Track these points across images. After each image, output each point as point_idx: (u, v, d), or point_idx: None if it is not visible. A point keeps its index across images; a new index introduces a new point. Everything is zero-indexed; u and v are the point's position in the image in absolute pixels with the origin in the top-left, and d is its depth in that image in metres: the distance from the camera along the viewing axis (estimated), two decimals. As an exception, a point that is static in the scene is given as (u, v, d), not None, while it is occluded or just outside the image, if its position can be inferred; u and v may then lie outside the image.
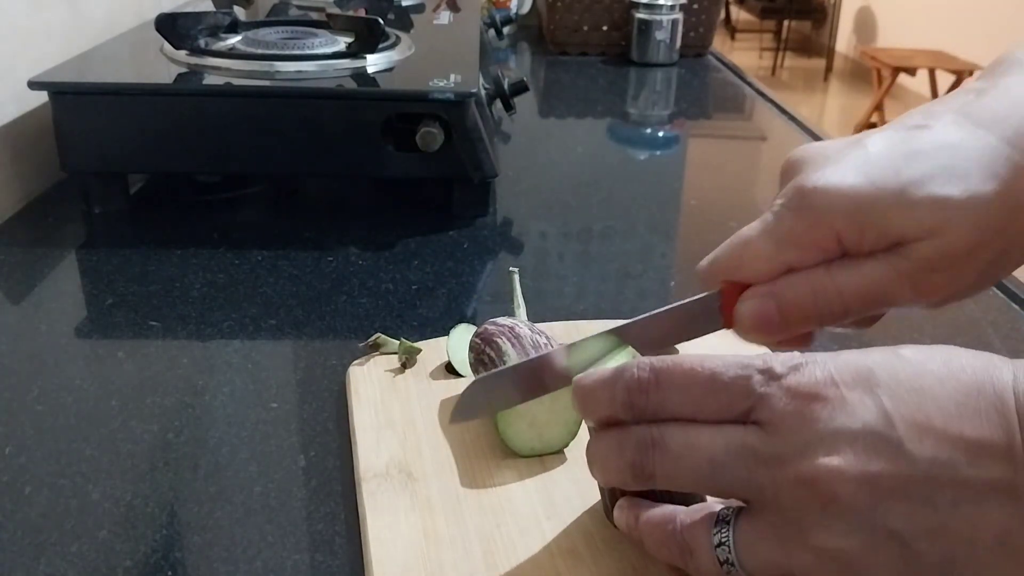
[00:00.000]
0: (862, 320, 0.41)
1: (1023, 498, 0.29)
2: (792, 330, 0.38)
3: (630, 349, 0.41)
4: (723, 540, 0.33)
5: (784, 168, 0.40)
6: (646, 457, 0.34)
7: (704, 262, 0.42)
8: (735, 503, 0.34)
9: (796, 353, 0.33)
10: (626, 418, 0.35)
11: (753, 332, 0.39)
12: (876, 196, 0.36)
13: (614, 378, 0.35)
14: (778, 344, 0.40)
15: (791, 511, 0.31)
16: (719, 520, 0.34)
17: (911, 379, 0.31)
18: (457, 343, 0.54)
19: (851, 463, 0.30)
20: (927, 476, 0.30)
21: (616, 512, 0.38)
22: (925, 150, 0.37)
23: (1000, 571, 0.30)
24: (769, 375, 0.33)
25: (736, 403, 0.33)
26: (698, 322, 0.41)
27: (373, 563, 0.39)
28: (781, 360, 0.33)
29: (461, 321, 0.57)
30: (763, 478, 0.32)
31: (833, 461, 0.30)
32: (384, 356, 0.55)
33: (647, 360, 0.35)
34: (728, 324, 0.41)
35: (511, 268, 0.58)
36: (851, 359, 0.33)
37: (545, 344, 0.49)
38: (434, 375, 0.53)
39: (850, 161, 0.37)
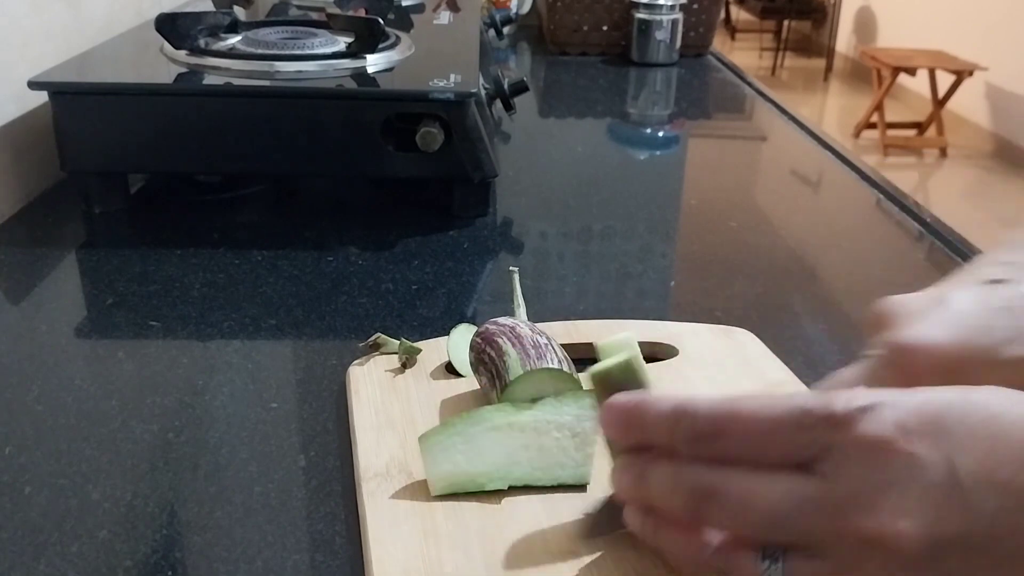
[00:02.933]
0: None
1: None
2: None
3: None
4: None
5: (871, 320, 0.41)
6: (702, 504, 0.33)
7: None
8: None
9: (860, 391, 0.32)
10: (681, 450, 0.35)
11: None
12: (968, 356, 0.37)
13: (672, 419, 0.34)
14: None
15: (848, 560, 0.31)
16: (767, 555, 0.33)
17: (981, 426, 0.31)
18: (457, 343, 0.54)
19: (917, 523, 0.30)
20: (989, 528, 0.30)
21: (629, 515, 0.37)
22: (1010, 307, 0.38)
23: None
24: (833, 423, 0.32)
25: (800, 452, 0.32)
26: None
27: (373, 563, 0.39)
28: (845, 402, 0.32)
29: (461, 321, 0.57)
30: (825, 531, 0.31)
31: (899, 523, 0.30)
32: (384, 356, 0.55)
33: (707, 406, 0.34)
34: None
35: (511, 268, 0.58)
36: (920, 402, 0.32)
37: (545, 344, 0.49)
38: (434, 375, 0.53)
39: (942, 319, 0.38)
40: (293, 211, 0.83)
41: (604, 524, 0.40)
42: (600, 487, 0.44)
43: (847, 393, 0.32)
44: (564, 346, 0.51)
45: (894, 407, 0.31)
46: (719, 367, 0.54)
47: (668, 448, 0.35)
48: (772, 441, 0.33)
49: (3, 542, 0.42)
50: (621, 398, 0.36)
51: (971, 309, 0.38)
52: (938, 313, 0.38)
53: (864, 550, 0.31)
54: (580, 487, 0.44)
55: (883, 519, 0.30)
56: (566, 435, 0.45)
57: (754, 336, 0.58)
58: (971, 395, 0.32)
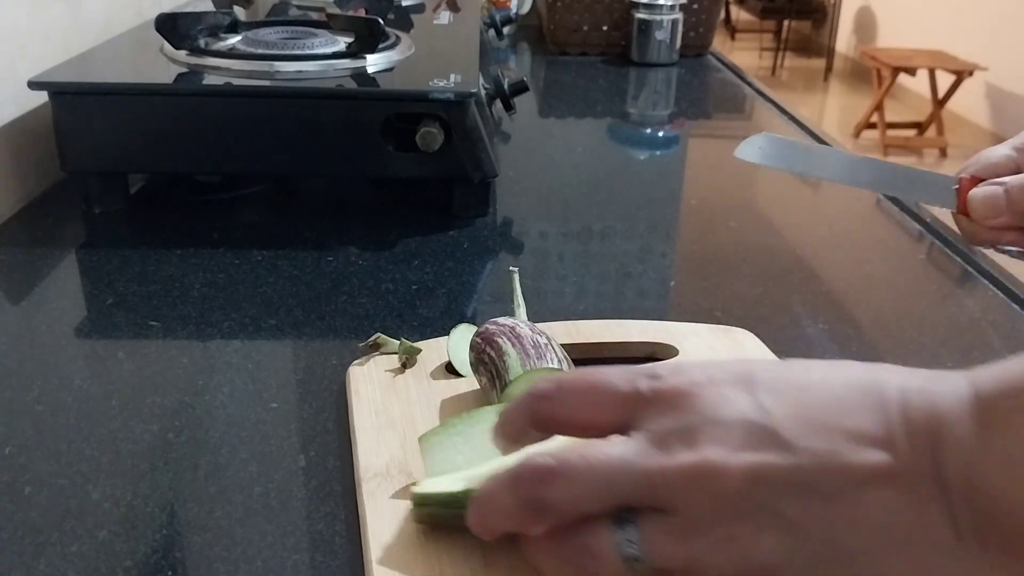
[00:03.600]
0: None
1: (902, 484, 0.30)
2: (1015, 214, 0.48)
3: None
4: (630, 539, 0.33)
5: None
6: (542, 487, 0.33)
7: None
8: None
9: (682, 361, 0.35)
10: (530, 424, 0.37)
11: (981, 212, 0.49)
12: None
13: (524, 395, 0.37)
14: (997, 236, 0.49)
15: (686, 504, 0.32)
16: (619, 522, 0.33)
17: (793, 379, 0.33)
18: (457, 343, 0.54)
19: (732, 453, 0.31)
20: (809, 463, 0.31)
21: (530, 547, 0.35)
22: None
23: (882, 553, 0.30)
24: (651, 376, 0.35)
25: (627, 410, 0.34)
26: (933, 191, 0.51)
27: (373, 563, 0.39)
28: (666, 365, 0.35)
29: (461, 321, 0.57)
30: (656, 476, 0.32)
31: (714, 451, 0.31)
32: (384, 356, 0.55)
33: (551, 375, 0.37)
34: (962, 208, 0.50)
35: (511, 267, 0.58)
36: (734, 364, 0.34)
37: (545, 344, 0.49)
38: (434, 375, 0.53)
39: None
40: (293, 211, 0.83)
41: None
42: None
43: (671, 362, 0.37)
44: (564, 346, 0.51)
45: (706, 367, 0.34)
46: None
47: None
48: (605, 397, 0.35)
49: (3, 542, 0.42)
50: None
51: None
52: None
53: (693, 488, 0.32)
54: None
55: (699, 452, 0.32)
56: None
57: (753, 336, 0.58)
58: (787, 362, 0.35)
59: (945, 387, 0.31)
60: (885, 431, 0.31)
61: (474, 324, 0.56)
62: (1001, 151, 0.50)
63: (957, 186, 0.51)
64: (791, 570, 0.31)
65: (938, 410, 0.31)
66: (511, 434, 0.38)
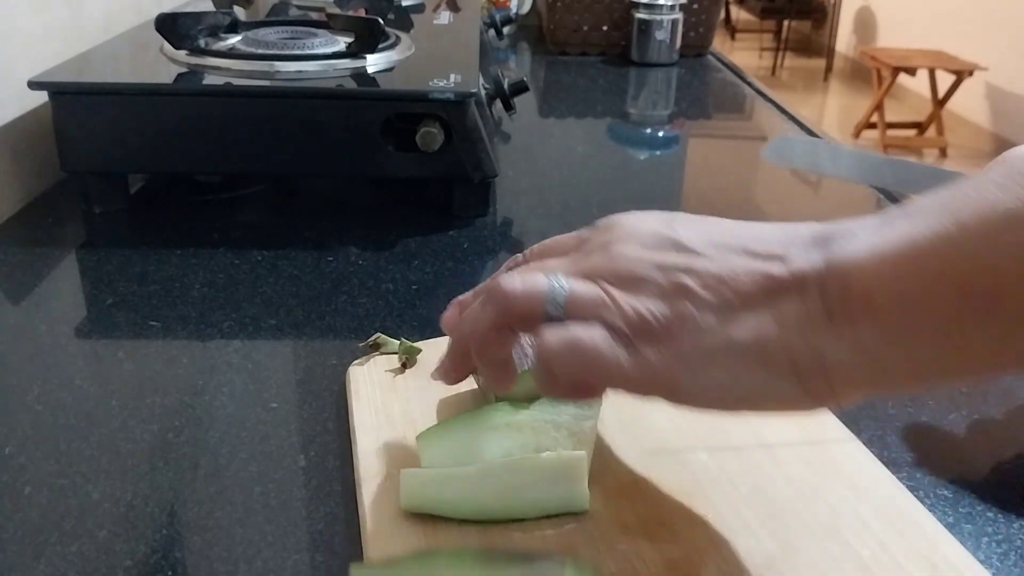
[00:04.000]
0: None
1: (781, 301, 0.34)
2: None
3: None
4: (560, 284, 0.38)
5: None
6: (500, 297, 0.39)
7: None
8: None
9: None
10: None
11: None
12: None
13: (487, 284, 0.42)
14: None
15: (601, 270, 0.38)
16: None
17: (712, 221, 0.39)
18: None
19: (647, 252, 0.38)
20: (711, 259, 0.36)
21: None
22: None
23: (763, 327, 0.34)
24: (587, 231, 0.42)
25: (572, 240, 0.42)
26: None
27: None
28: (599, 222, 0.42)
29: (461, 321, 0.57)
30: (581, 263, 0.39)
31: (629, 248, 0.38)
32: (384, 356, 0.55)
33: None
34: None
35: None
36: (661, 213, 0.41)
37: None
38: (435, 375, 0.53)
39: None
40: (293, 211, 0.83)
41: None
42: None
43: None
44: None
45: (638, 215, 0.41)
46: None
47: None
48: (561, 246, 0.43)
49: (3, 542, 0.42)
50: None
51: None
52: None
53: (608, 265, 0.38)
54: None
55: (618, 246, 0.39)
56: (564, 434, 0.45)
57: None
58: None
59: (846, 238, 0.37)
60: (783, 250, 0.36)
61: None
62: None
63: None
64: (679, 333, 0.35)
65: (831, 234, 0.37)
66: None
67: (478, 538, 0.41)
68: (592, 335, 0.36)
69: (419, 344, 0.55)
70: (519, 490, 0.42)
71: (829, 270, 0.34)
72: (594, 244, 0.40)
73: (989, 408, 0.53)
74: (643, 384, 0.36)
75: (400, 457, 0.46)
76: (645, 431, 0.48)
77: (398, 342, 0.55)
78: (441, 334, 0.57)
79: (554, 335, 0.37)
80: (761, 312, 0.34)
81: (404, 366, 0.54)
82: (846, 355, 0.33)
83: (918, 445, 0.50)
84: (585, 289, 0.37)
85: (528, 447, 0.44)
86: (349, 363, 0.55)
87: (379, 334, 0.56)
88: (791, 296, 0.34)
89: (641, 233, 0.39)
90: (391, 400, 0.51)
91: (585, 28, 1.45)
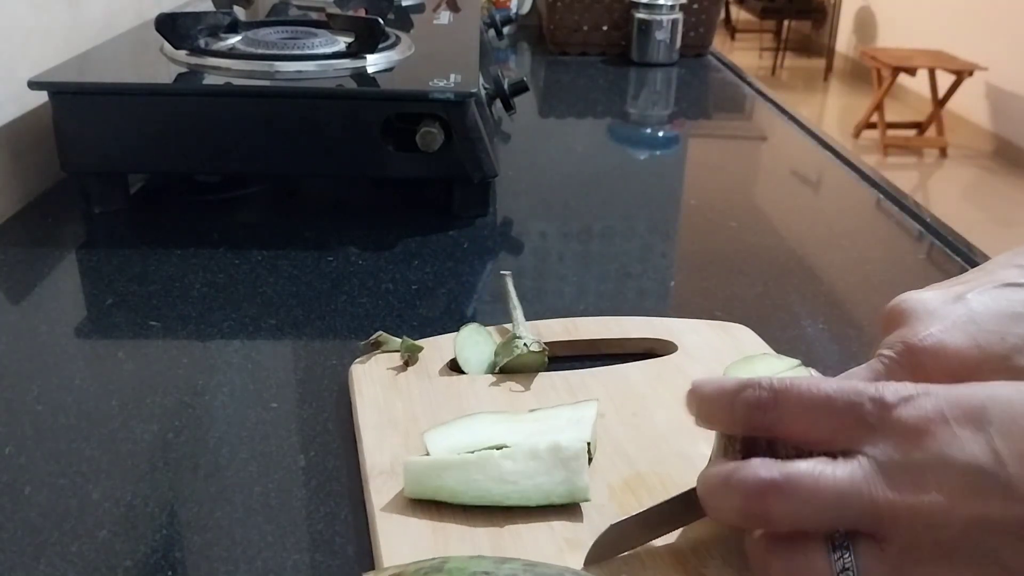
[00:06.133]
0: None
1: None
2: None
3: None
4: (846, 566, 0.33)
5: (886, 317, 0.42)
6: (766, 498, 0.34)
7: None
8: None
9: (911, 384, 0.34)
10: (737, 429, 0.36)
11: None
12: (981, 360, 0.37)
13: (735, 391, 0.36)
14: None
15: (906, 539, 0.32)
16: (836, 546, 0.34)
17: None
18: (465, 342, 0.55)
19: (960, 501, 0.31)
20: None
21: (750, 545, 0.37)
22: None
23: None
24: (880, 405, 0.33)
25: (847, 430, 0.34)
26: None
27: (384, 561, 0.39)
28: (894, 390, 0.33)
29: (461, 321, 0.58)
30: (880, 510, 0.32)
31: (943, 499, 0.31)
32: (385, 354, 0.55)
33: (768, 379, 0.36)
34: None
35: (502, 271, 0.59)
36: (965, 393, 0.33)
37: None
38: (436, 373, 0.53)
39: (956, 320, 0.39)
40: (293, 211, 0.83)
41: (608, 547, 0.39)
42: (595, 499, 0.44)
43: (898, 383, 0.34)
44: (563, 343, 0.54)
45: (938, 396, 0.33)
46: (718, 362, 0.54)
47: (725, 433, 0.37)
48: (824, 415, 0.34)
49: (3, 542, 0.42)
50: (702, 383, 0.38)
51: (987, 313, 0.38)
52: (953, 314, 0.39)
53: (917, 527, 0.31)
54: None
55: (927, 495, 0.31)
56: (563, 422, 0.46)
57: (751, 331, 0.58)
58: (1015, 386, 0.33)
59: None
60: None
61: (480, 324, 0.56)
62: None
63: None
64: None
65: None
66: (707, 421, 0.38)
67: (484, 531, 0.41)
68: None
69: (420, 342, 0.55)
70: (519, 477, 0.42)
71: None
72: (891, 460, 0.33)
73: None
74: None
75: (404, 453, 0.46)
76: (648, 427, 0.48)
77: (400, 340, 0.55)
78: (440, 333, 0.57)
79: None
80: None
81: (406, 364, 0.54)
82: None
83: None
84: None
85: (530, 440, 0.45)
86: (349, 363, 0.55)
87: (381, 332, 0.56)
88: None
89: (957, 463, 0.31)
90: (394, 398, 0.51)
91: (585, 28, 1.45)
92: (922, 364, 0.38)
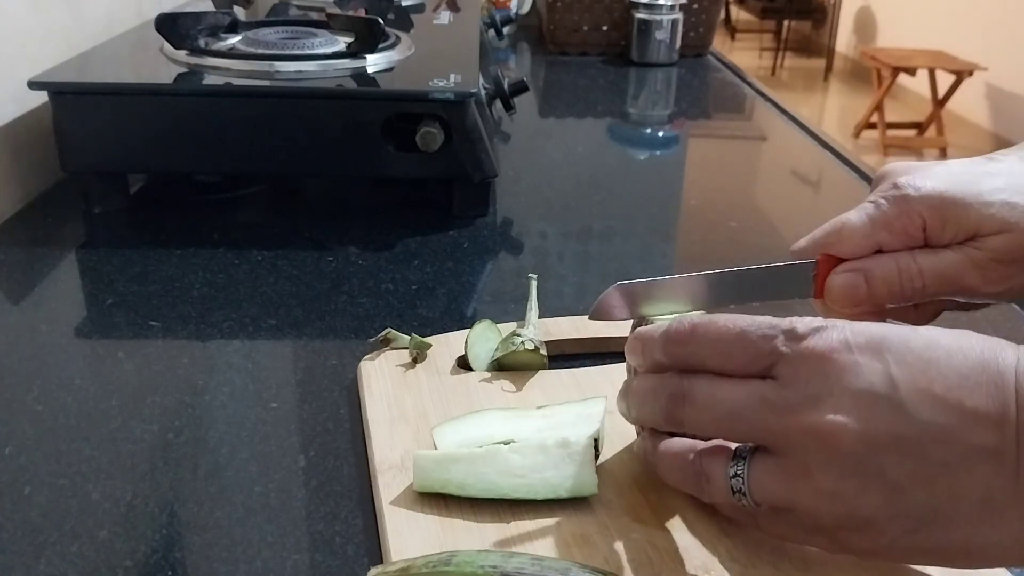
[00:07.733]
0: (927, 312, 0.48)
1: (1007, 464, 0.33)
2: (875, 303, 0.45)
3: None
4: (738, 472, 0.37)
5: (877, 178, 0.47)
6: (676, 407, 0.38)
7: (802, 241, 0.48)
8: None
9: (819, 318, 0.37)
10: (664, 361, 0.40)
11: (841, 301, 0.45)
12: (959, 195, 0.43)
13: (660, 329, 0.40)
14: (857, 317, 0.44)
15: (797, 455, 0.35)
16: (736, 456, 0.37)
17: (921, 349, 0.34)
18: (476, 339, 0.55)
19: (854, 420, 0.34)
20: (923, 434, 0.33)
21: (638, 441, 0.43)
22: (998, 172, 0.45)
23: (979, 526, 0.33)
24: (791, 336, 0.36)
25: (760, 359, 0.36)
26: (790, 285, 0.47)
27: (392, 555, 0.40)
28: (805, 323, 0.36)
29: (462, 321, 0.58)
30: (775, 426, 0.35)
31: (838, 418, 0.34)
32: (394, 351, 0.55)
33: (688, 317, 0.39)
34: (819, 293, 0.46)
35: (530, 275, 0.59)
36: (869, 326, 0.36)
37: None
38: (445, 369, 0.54)
39: (937, 171, 0.45)
40: (293, 211, 0.83)
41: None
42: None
43: (809, 318, 0.37)
44: (572, 341, 0.56)
45: (843, 329, 0.36)
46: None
47: (655, 365, 0.40)
48: (738, 346, 0.37)
49: (3, 542, 0.42)
50: (641, 329, 0.42)
51: (964, 168, 0.45)
52: (934, 168, 0.45)
53: (809, 444, 0.34)
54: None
55: (823, 415, 0.34)
56: (572, 417, 0.47)
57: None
58: (916, 328, 0.36)
59: None
60: (999, 412, 0.33)
61: (493, 322, 0.56)
62: (859, 226, 0.45)
63: (815, 272, 0.46)
64: (885, 528, 0.34)
65: None
66: (634, 357, 0.42)
67: (492, 526, 0.41)
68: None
69: (429, 339, 0.55)
70: (527, 471, 0.42)
71: None
72: (795, 386, 0.35)
73: None
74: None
75: (414, 448, 0.46)
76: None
77: (408, 337, 0.55)
78: (441, 333, 0.57)
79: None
80: (974, 506, 0.34)
81: (415, 360, 0.54)
82: None
83: None
84: (772, 497, 0.37)
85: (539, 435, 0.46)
86: (349, 363, 0.55)
87: (389, 329, 0.56)
88: (1004, 480, 0.33)
89: (856, 390, 0.34)
90: (403, 393, 0.51)
91: (585, 28, 1.45)
92: (907, 197, 0.44)
